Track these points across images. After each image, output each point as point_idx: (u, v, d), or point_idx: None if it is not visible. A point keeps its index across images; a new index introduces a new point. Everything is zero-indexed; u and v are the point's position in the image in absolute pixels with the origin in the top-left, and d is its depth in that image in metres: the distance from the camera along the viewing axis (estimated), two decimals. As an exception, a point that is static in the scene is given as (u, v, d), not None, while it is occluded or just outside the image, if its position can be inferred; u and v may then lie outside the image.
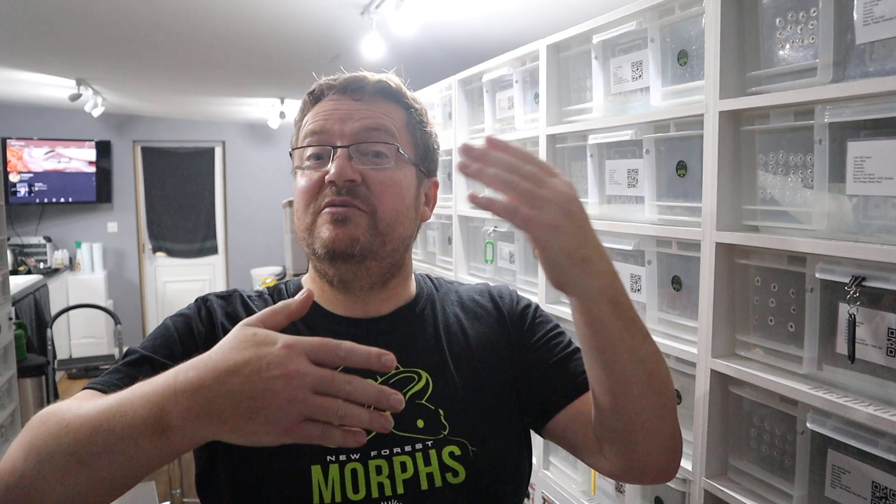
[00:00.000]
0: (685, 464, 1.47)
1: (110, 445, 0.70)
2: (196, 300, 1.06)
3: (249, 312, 1.03)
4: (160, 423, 0.69)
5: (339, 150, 0.98)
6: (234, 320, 0.95)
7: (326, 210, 0.98)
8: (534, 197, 0.77)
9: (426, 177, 1.09)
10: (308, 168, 1.02)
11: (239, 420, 0.68)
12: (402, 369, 1.01)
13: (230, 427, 0.68)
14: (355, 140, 0.99)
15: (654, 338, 1.55)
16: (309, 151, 1.02)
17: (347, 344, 0.70)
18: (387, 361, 0.70)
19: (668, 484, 1.52)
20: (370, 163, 1.00)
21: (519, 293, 1.18)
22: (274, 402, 0.67)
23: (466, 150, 0.79)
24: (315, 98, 1.06)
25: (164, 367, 0.81)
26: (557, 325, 1.13)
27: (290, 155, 1.07)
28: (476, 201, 0.78)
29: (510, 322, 1.11)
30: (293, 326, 1.01)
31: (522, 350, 1.08)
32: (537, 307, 1.15)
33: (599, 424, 0.95)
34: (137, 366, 0.93)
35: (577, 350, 1.08)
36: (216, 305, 1.04)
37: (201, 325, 1.00)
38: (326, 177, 0.97)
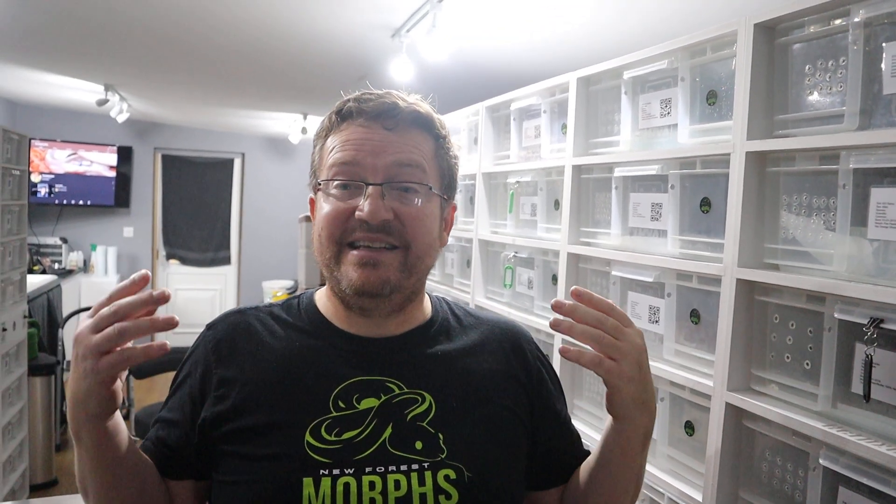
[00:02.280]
0: (696, 494, 1.50)
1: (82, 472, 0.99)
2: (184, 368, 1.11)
3: (245, 330, 1.07)
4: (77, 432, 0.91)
5: (371, 187, 0.98)
6: (228, 354, 1.05)
7: (356, 252, 0.98)
8: (615, 350, 0.90)
9: (447, 203, 1.10)
10: (335, 197, 1.00)
11: (75, 391, 0.87)
12: (406, 390, 1.01)
13: (79, 400, 0.87)
14: (388, 176, 0.99)
15: (670, 369, 1.60)
16: (338, 181, 1.01)
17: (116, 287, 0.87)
18: (139, 277, 0.86)
19: (678, 514, 1.55)
20: (402, 198, 1.00)
21: (539, 347, 1.20)
22: (78, 361, 0.86)
23: (558, 306, 0.90)
24: (342, 118, 1.03)
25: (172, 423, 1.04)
26: (562, 393, 1.19)
27: (314, 173, 1.07)
28: (567, 354, 0.90)
29: (525, 373, 1.12)
30: (301, 340, 1.06)
31: (535, 406, 1.10)
32: (554, 371, 1.19)
33: None
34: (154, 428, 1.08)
35: (575, 434, 1.17)
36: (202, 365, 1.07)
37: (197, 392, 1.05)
38: (358, 214, 0.97)
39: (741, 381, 1.42)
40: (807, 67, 1.31)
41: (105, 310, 0.84)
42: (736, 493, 1.44)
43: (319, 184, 1.03)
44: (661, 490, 1.60)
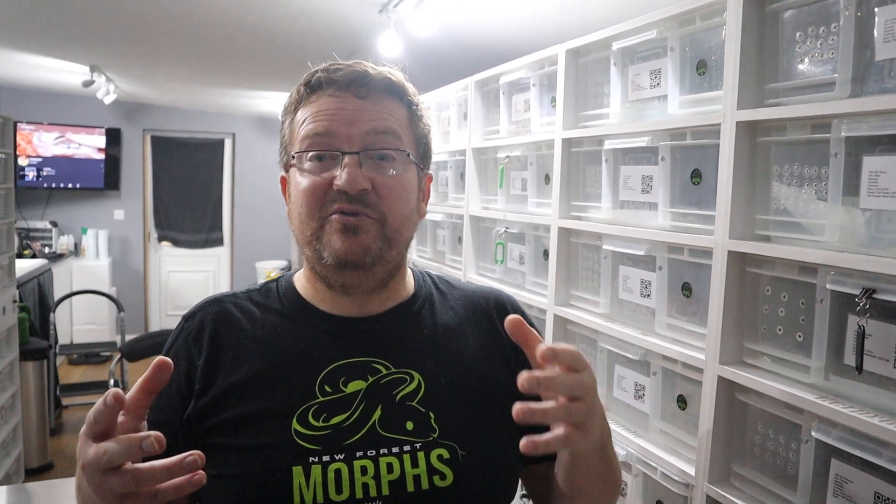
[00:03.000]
0: (688, 468, 1.49)
1: None
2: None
3: (224, 318, 1.03)
4: None
5: (347, 157, 0.95)
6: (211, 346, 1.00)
7: (335, 217, 0.95)
8: (578, 415, 0.79)
9: (423, 173, 1.07)
10: (310, 171, 0.97)
11: None
12: (394, 370, 0.99)
13: None
14: (364, 144, 0.96)
15: (662, 343, 1.58)
16: (312, 152, 0.97)
17: (94, 407, 0.72)
18: (111, 399, 0.70)
19: (670, 488, 1.54)
20: (378, 167, 0.97)
21: (525, 311, 1.16)
22: (95, 497, 0.72)
23: (531, 384, 0.76)
24: (311, 89, 0.99)
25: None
26: None
27: (285, 149, 1.04)
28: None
29: (509, 340, 1.09)
30: (282, 325, 1.02)
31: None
32: (540, 336, 1.15)
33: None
34: None
35: None
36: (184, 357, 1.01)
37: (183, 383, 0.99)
38: (336, 185, 0.94)
39: (733, 354, 1.41)
40: (797, 35, 1.28)
41: (105, 458, 0.69)
42: (728, 467, 1.43)
43: (293, 157, 1.00)
44: (654, 464, 1.60)
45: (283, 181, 1.06)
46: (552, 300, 2.06)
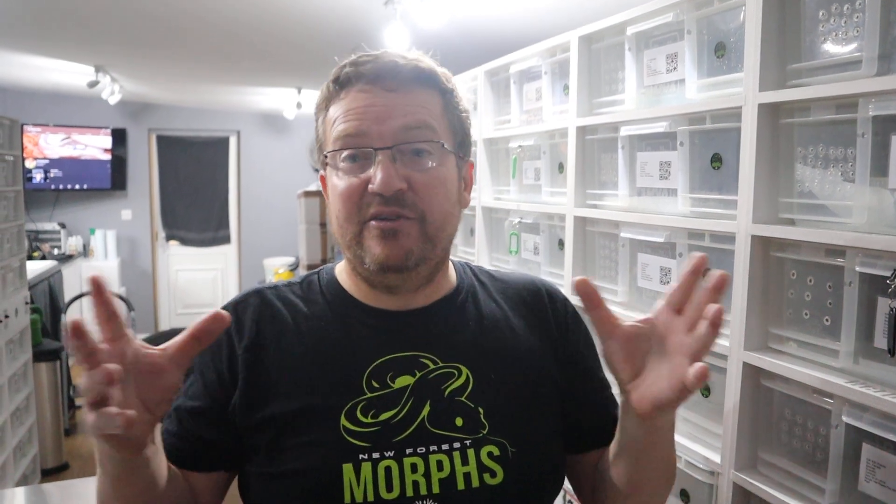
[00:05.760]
0: (714, 456, 1.48)
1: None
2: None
3: (267, 310, 1.01)
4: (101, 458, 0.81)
5: (380, 153, 0.92)
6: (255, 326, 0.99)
7: (374, 224, 0.93)
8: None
9: (463, 161, 1.03)
10: (345, 172, 0.95)
11: None
12: (442, 364, 0.97)
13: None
14: (396, 141, 0.93)
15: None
16: (345, 153, 0.95)
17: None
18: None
19: (696, 476, 1.53)
20: (413, 163, 0.94)
21: (570, 299, 1.14)
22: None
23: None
24: (341, 85, 0.96)
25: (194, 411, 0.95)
26: (595, 350, 1.11)
27: (320, 148, 1.01)
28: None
29: (556, 328, 1.08)
30: (326, 319, 1.00)
31: (567, 363, 1.06)
32: (586, 326, 1.11)
33: (608, 497, 1.02)
34: (173, 420, 0.98)
35: (610, 393, 1.10)
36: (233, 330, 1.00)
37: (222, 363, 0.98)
38: (371, 187, 0.91)
39: (758, 340, 1.39)
40: (820, 13, 1.26)
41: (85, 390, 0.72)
42: (755, 453, 1.41)
43: (326, 158, 0.97)
44: (679, 453, 1.58)
45: (323, 179, 1.04)
46: (569, 290, 2.04)
